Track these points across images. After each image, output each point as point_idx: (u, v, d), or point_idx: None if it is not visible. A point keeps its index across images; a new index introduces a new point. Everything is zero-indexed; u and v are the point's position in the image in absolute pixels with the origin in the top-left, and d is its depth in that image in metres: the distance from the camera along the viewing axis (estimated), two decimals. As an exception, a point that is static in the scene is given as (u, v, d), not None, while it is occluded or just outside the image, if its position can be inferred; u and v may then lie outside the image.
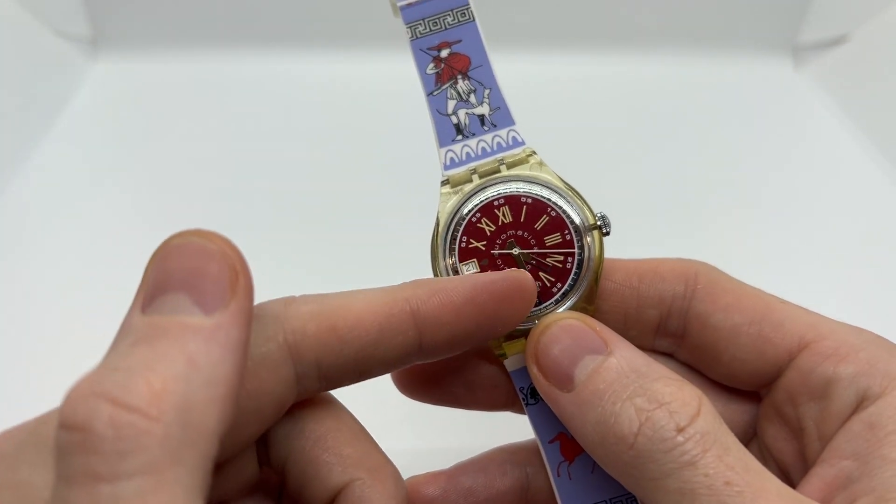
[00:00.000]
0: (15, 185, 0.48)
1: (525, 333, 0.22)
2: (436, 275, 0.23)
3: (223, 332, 0.15)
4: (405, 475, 0.25)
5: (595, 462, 0.21)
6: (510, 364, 0.23)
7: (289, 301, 0.19)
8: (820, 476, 0.19)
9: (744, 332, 0.22)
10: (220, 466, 0.19)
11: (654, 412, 0.18)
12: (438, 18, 0.25)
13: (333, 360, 0.19)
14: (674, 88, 0.62)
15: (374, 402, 0.25)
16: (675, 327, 0.23)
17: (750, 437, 0.23)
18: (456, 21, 0.25)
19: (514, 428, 0.26)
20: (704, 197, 0.51)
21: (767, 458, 0.22)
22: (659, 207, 0.49)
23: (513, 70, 0.61)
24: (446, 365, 0.24)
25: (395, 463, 0.22)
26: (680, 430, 0.18)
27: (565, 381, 0.20)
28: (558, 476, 0.23)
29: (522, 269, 0.22)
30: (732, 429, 0.19)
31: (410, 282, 0.20)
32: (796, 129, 0.60)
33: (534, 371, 0.21)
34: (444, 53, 0.25)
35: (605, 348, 0.20)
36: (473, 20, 0.25)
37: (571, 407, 0.20)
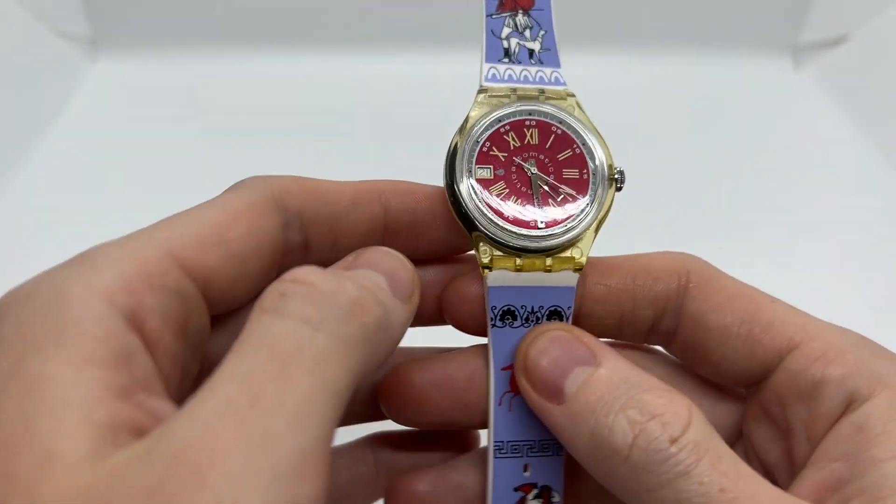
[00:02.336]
0: (15, 186, 0.48)
1: (530, 253, 0.22)
2: (451, 169, 0.23)
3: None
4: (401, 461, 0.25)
5: None
6: (492, 279, 0.22)
7: (270, 175, 0.22)
8: (811, 478, 0.20)
9: (734, 332, 0.22)
10: None
11: (647, 424, 0.18)
12: None
13: (313, 216, 0.22)
14: (673, 88, 0.62)
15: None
16: (668, 326, 0.23)
17: (735, 439, 0.23)
18: None
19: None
20: (703, 196, 0.51)
21: (752, 458, 0.23)
22: (657, 207, 0.49)
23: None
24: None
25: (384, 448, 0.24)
26: (673, 441, 0.18)
27: (556, 393, 0.20)
28: (499, 405, 0.23)
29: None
30: (719, 430, 0.19)
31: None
32: (796, 129, 0.60)
33: (523, 383, 0.21)
34: None
35: (593, 359, 0.20)
36: None
37: (563, 419, 0.20)
